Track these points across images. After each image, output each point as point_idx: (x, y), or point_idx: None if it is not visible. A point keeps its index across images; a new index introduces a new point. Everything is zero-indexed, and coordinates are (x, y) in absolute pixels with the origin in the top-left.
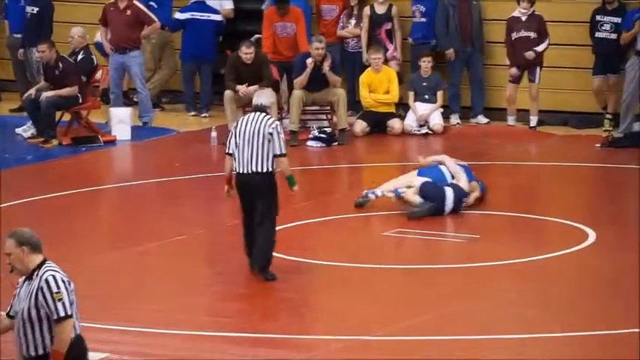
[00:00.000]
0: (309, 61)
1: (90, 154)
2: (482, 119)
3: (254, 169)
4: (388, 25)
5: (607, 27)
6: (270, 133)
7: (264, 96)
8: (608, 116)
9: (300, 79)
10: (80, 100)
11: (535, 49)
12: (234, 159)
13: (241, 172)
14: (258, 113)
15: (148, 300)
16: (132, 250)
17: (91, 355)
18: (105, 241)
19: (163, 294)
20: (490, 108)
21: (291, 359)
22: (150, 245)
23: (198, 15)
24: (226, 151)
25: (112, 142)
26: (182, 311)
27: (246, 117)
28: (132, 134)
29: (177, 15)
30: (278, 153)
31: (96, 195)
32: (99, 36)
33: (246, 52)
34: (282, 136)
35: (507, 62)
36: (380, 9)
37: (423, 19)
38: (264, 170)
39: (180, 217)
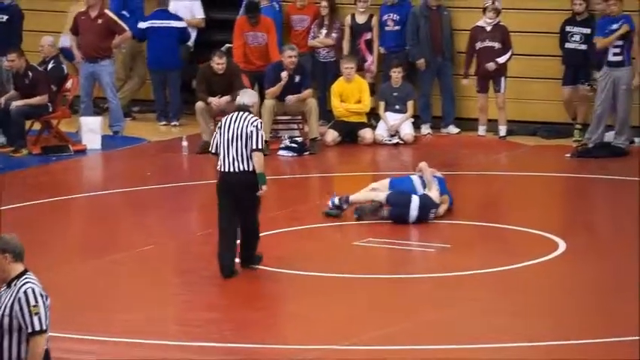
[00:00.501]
0: (284, 74)
1: (60, 163)
2: (453, 129)
3: (240, 168)
4: (368, 35)
5: (577, 38)
6: (251, 131)
7: (246, 95)
8: (578, 126)
9: (273, 90)
10: (50, 109)
11: (497, 60)
12: (220, 158)
13: (227, 171)
14: (241, 112)
15: (117, 310)
16: (101, 260)
17: None
18: (74, 250)
19: (132, 304)
20: (461, 118)
21: None
22: (119, 255)
23: (158, 23)
24: (212, 151)
25: (83, 152)
26: (151, 321)
27: (230, 117)
28: (102, 143)
29: (140, 24)
30: (254, 147)
31: (66, 204)
32: (63, 41)
33: (218, 63)
34: (261, 133)
35: (471, 72)
36: (360, 18)
37: (397, 28)
38: (250, 169)
39: (150, 226)
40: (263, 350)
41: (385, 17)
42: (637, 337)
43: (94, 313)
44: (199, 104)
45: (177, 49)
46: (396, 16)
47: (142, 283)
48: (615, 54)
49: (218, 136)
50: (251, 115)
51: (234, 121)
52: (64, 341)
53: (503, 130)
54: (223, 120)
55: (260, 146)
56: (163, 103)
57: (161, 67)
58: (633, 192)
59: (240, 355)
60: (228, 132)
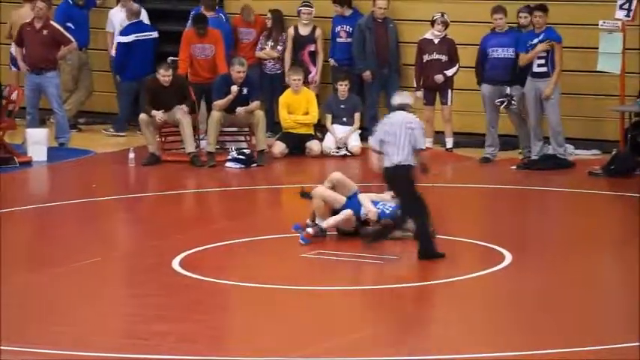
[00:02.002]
0: (235, 88)
1: (5, 175)
2: None
3: (400, 162)
4: (311, 47)
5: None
6: (413, 128)
7: (403, 96)
8: None
9: (221, 103)
10: None
11: (445, 72)
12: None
13: (389, 166)
14: (399, 112)
15: (64, 322)
16: (47, 273)
17: None
18: (20, 263)
19: (79, 316)
20: None
21: None
22: (65, 267)
23: (142, 35)
24: (375, 149)
25: (28, 163)
26: (98, 333)
27: (391, 116)
28: (48, 155)
29: (121, 39)
30: (420, 147)
31: (11, 217)
32: (13, 50)
33: (164, 75)
34: (423, 131)
35: (417, 84)
36: (304, 30)
37: (349, 40)
38: (408, 163)
39: (97, 238)
40: None
41: (338, 29)
42: (579, 349)
43: (41, 325)
44: (143, 116)
45: (153, 58)
46: (348, 28)
47: (88, 295)
48: (539, 65)
49: (381, 134)
50: (410, 114)
51: (395, 120)
52: (8, 354)
53: (450, 142)
54: (385, 119)
55: (423, 146)
56: (131, 114)
57: (137, 78)
58: (578, 203)
59: None
60: (391, 130)
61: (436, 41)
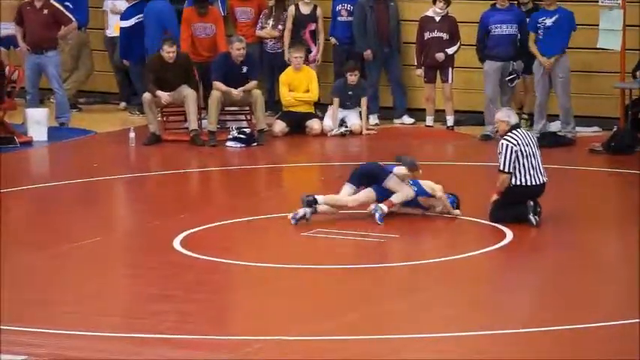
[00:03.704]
0: (236, 92)
1: (6, 155)
2: (407, 119)
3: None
4: (312, 26)
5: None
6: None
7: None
8: (525, 116)
9: (222, 88)
10: None
11: (446, 50)
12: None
13: (534, 184)
14: (521, 129)
15: (65, 302)
16: (48, 252)
17: (8, 358)
18: (21, 243)
19: (79, 296)
20: (412, 109)
21: None
22: (65, 247)
23: (142, 17)
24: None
25: (29, 143)
26: (98, 313)
27: (519, 134)
28: (48, 135)
29: (123, 23)
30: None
31: (12, 196)
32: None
33: (169, 51)
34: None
35: (417, 62)
36: (305, 9)
37: (350, 18)
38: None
39: (97, 218)
40: (208, 342)
41: (339, 7)
42: (582, 325)
43: (41, 306)
44: (147, 96)
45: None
46: (349, 6)
47: (88, 275)
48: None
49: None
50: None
51: (527, 137)
52: (9, 334)
53: (450, 120)
54: (518, 140)
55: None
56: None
57: (143, 58)
58: (579, 180)
59: (185, 347)
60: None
61: (437, 19)
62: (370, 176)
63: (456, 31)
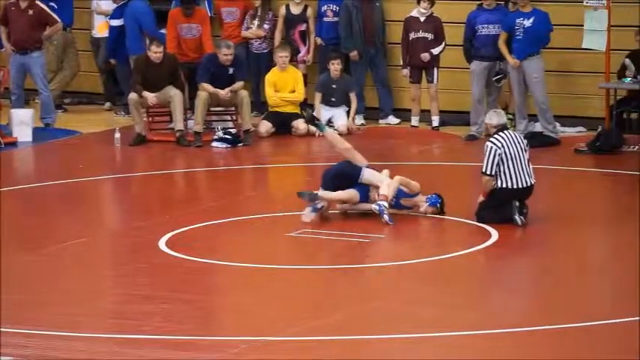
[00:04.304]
0: (224, 92)
1: None
2: (393, 119)
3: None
4: (302, 27)
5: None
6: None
7: (500, 115)
8: (509, 116)
9: (208, 89)
10: None
11: (431, 50)
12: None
13: (520, 186)
14: (508, 131)
15: (50, 303)
16: (34, 253)
17: None
18: (5, 244)
19: (65, 297)
20: (397, 109)
21: None
22: (52, 248)
23: (129, 15)
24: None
25: (14, 144)
26: (85, 314)
27: (505, 137)
28: (34, 136)
29: (113, 22)
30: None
31: None
32: None
33: (156, 51)
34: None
35: (404, 62)
36: (295, 9)
37: (336, 19)
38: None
39: (83, 219)
40: (195, 342)
41: (324, 8)
42: (563, 325)
43: (28, 307)
44: (133, 96)
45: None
46: (335, 7)
47: (74, 276)
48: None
49: (497, 157)
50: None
51: (513, 141)
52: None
53: (436, 120)
54: (501, 142)
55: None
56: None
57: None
58: (564, 180)
59: (173, 347)
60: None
61: (422, 19)
62: (343, 176)
63: (441, 32)
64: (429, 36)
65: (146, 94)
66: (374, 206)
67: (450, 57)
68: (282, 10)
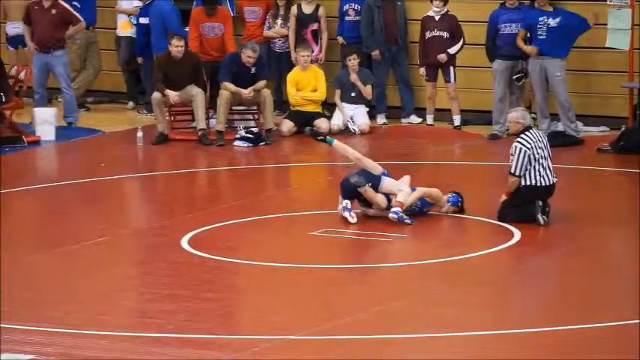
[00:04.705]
0: (246, 92)
1: (13, 154)
2: (415, 119)
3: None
4: (314, 26)
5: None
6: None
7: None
8: (533, 115)
9: (231, 88)
10: (3, 100)
11: (448, 50)
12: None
13: (543, 185)
14: (533, 130)
15: (73, 301)
16: (56, 252)
17: (17, 357)
18: (29, 242)
19: (88, 295)
20: (421, 108)
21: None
22: (74, 247)
23: (155, 12)
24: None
25: (37, 143)
26: (107, 312)
27: (532, 136)
28: (56, 134)
29: (142, 20)
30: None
31: (20, 196)
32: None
33: (177, 45)
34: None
35: (420, 61)
36: (307, 9)
37: (357, 18)
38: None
39: (105, 218)
40: (218, 341)
41: (346, 7)
42: (586, 325)
43: (51, 305)
44: (156, 95)
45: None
46: (357, 6)
47: (97, 274)
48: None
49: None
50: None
51: (538, 140)
52: (19, 333)
53: (457, 119)
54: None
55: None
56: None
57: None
58: (587, 180)
59: (195, 346)
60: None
61: (437, 18)
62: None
63: (458, 30)
64: (445, 34)
65: (168, 92)
66: (391, 215)
67: (476, 55)
68: (294, 10)
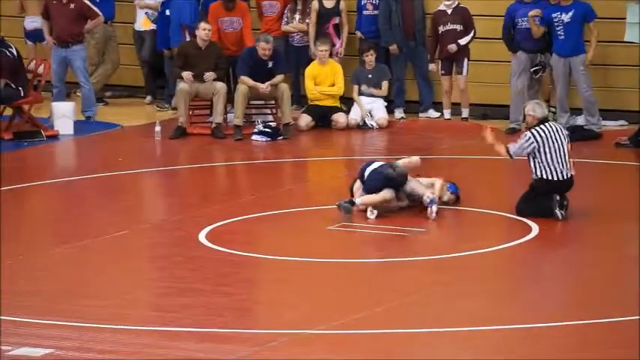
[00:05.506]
0: (264, 86)
1: (32, 149)
2: (433, 113)
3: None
4: (336, 20)
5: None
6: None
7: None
8: (552, 109)
9: (249, 83)
10: (22, 94)
11: (458, 41)
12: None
13: (560, 178)
14: (549, 123)
15: (92, 295)
16: (75, 246)
17: (35, 351)
18: (47, 236)
19: (107, 289)
20: (439, 102)
21: (235, 354)
22: (92, 241)
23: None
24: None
25: (55, 137)
26: (126, 306)
27: (547, 129)
28: (75, 129)
29: (167, 12)
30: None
31: (38, 190)
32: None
33: (205, 28)
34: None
35: (437, 56)
36: (328, 3)
37: (375, 12)
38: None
39: (124, 212)
40: (236, 335)
41: (364, 1)
42: (604, 320)
43: (69, 299)
44: (183, 86)
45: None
46: (375, 0)
47: (115, 268)
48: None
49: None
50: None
51: (556, 131)
52: (40, 327)
53: (465, 112)
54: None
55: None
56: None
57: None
58: (605, 174)
59: (213, 340)
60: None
61: (449, 11)
62: (392, 184)
63: (470, 21)
64: (458, 27)
65: (184, 73)
66: (427, 195)
67: (496, 49)
68: (315, 5)
